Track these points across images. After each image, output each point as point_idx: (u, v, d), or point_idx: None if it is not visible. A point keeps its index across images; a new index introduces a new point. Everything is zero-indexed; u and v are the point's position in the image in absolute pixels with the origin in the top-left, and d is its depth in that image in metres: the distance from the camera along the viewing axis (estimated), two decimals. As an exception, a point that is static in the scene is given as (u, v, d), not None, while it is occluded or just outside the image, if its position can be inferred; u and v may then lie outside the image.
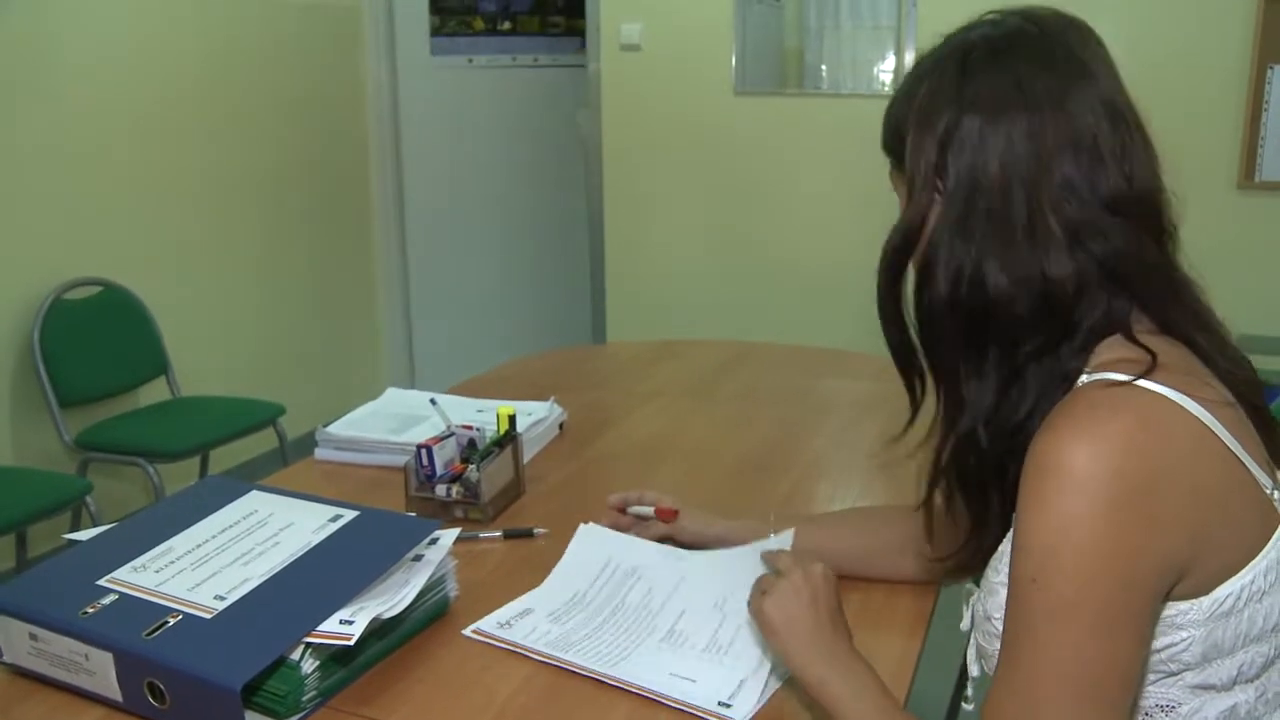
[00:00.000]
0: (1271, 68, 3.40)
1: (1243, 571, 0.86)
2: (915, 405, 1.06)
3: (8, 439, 3.27)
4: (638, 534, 1.44)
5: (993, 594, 0.96)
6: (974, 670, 1.05)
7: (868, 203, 3.93)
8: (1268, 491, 0.88)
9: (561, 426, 1.94)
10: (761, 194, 4.13)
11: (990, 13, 0.99)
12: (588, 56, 4.25)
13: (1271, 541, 0.88)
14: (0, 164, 3.20)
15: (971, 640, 1.06)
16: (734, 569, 1.30)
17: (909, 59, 3.75)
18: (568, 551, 1.41)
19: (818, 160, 4.03)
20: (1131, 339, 0.90)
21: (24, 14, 3.23)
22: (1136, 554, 0.81)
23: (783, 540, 1.33)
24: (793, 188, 4.08)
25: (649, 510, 1.45)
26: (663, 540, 1.43)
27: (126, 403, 3.55)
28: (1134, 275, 0.92)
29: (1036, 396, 0.92)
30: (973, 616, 1.05)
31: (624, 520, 1.47)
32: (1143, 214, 0.92)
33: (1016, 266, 0.90)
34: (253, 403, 3.53)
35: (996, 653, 0.95)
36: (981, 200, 0.92)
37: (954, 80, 0.95)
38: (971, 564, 1.05)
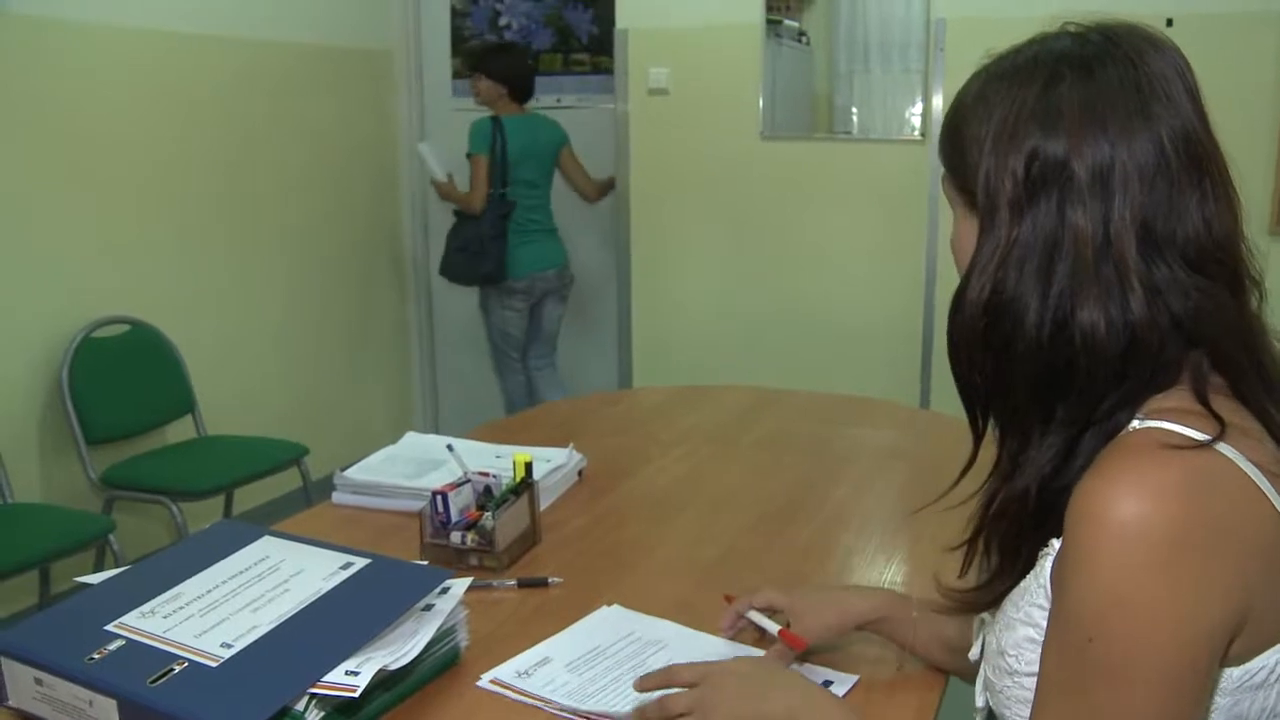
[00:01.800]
0: (1304, 114, 3.37)
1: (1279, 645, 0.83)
2: (976, 449, 1.00)
3: (35, 475, 3.29)
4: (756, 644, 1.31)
5: (1009, 629, 0.93)
6: (979, 701, 1.02)
7: (895, 249, 3.95)
8: None
9: (581, 473, 1.93)
10: (789, 240, 4.12)
11: (1071, 23, 0.94)
12: (615, 99, 4.27)
13: None
14: (31, 203, 3.24)
15: (980, 671, 1.03)
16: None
17: (937, 103, 3.74)
18: (584, 620, 1.38)
19: (845, 206, 4.02)
20: (1203, 400, 0.85)
21: (55, 55, 3.28)
22: (1194, 610, 0.78)
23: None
24: (820, 233, 4.07)
25: (772, 627, 1.28)
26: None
27: (153, 440, 3.57)
28: (1210, 336, 0.87)
29: (1089, 456, 0.88)
30: (983, 647, 1.02)
31: (740, 622, 1.34)
32: (1221, 265, 0.88)
33: (1105, 315, 0.86)
34: (277, 443, 3.53)
35: (1006, 689, 0.92)
36: (1066, 241, 0.87)
37: (1040, 99, 0.88)
38: (989, 604, 1.02)
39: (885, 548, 1.68)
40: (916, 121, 3.94)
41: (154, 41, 3.59)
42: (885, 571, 1.58)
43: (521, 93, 4.27)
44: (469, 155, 4.14)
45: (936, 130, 3.73)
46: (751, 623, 1.31)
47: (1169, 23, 3.30)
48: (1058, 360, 0.88)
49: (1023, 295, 0.89)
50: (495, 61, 4.24)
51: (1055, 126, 0.87)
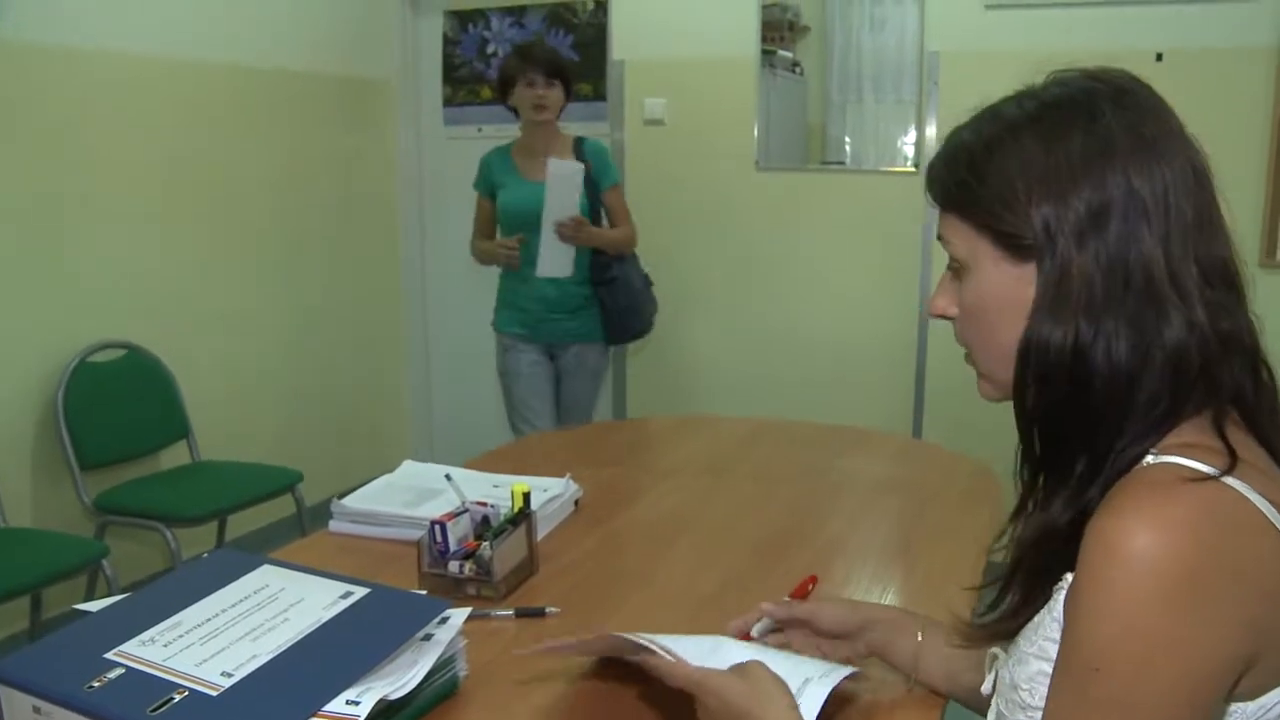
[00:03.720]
0: (1293, 147, 3.42)
1: None
2: (1035, 482, 0.98)
3: (27, 500, 3.28)
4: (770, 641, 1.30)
5: (1022, 663, 0.94)
6: None
7: (890, 280, 3.98)
8: None
9: (577, 503, 1.93)
10: (783, 269, 4.15)
11: (1056, 71, 0.95)
12: (611, 129, 4.30)
13: None
14: (29, 227, 3.25)
15: (992, 705, 1.03)
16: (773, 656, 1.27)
17: (931, 133, 3.77)
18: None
19: (840, 236, 4.05)
20: (1220, 431, 0.86)
21: (55, 80, 3.30)
22: (1201, 646, 0.79)
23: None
24: (815, 263, 4.10)
25: (782, 610, 1.30)
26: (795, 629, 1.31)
27: (146, 466, 3.57)
28: (1240, 354, 0.89)
29: (1101, 494, 0.88)
30: (995, 681, 1.03)
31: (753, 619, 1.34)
32: (1235, 286, 0.90)
33: (1189, 328, 0.87)
34: (272, 469, 3.53)
35: None
36: (1135, 271, 0.87)
37: (1087, 134, 0.89)
38: (1005, 637, 1.02)
39: (880, 579, 1.69)
40: (908, 151, 3.98)
41: (154, 68, 3.61)
42: (884, 601, 1.59)
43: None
44: (616, 184, 3.58)
45: (930, 159, 3.79)
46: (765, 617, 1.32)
47: (1159, 57, 3.35)
48: (1147, 383, 0.88)
49: (1102, 331, 0.88)
50: (572, 75, 3.59)
51: (1110, 158, 0.88)
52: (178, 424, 3.62)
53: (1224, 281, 0.88)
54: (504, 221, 3.53)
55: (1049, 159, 0.89)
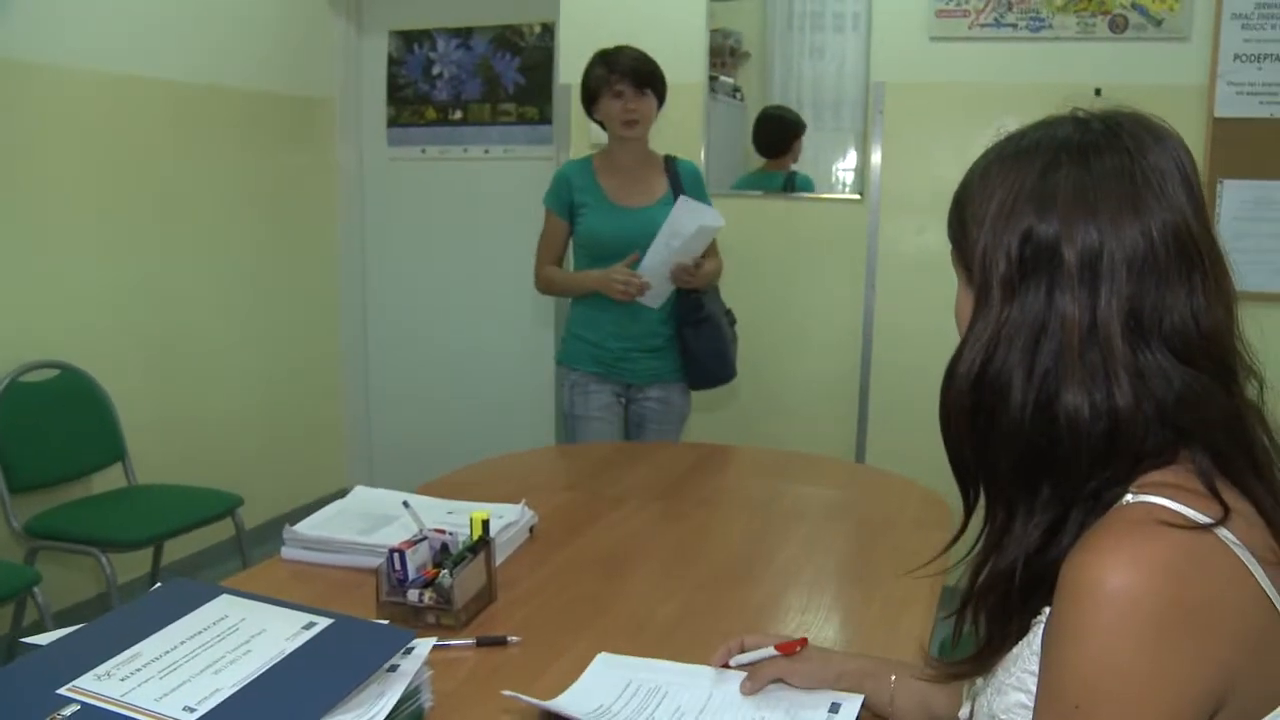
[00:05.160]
0: (1221, 182, 3.51)
1: (1269, 717, 0.85)
2: (966, 521, 1.03)
3: (-46, 524, 3.19)
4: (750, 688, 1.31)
5: (1001, 693, 0.94)
6: None
7: (830, 305, 4.01)
8: None
9: (532, 530, 1.92)
10: (726, 295, 4.16)
11: (1080, 109, 0.96)
12: (557, 153, 4.30)
13: None
14: (-37, 245, 3.17)
15: None
16: (768, 693, 1.29)
17: (876, 161, 3.81)
18: (584, 675, 1.37)
19: (781, 261, 4.07)
20: (1209, 484, 0.87)
21: (-4, 97, 3.23)
22: (1177, 684, 0.80)
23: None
24: (758, 289, 4.11)
25: (764, 653, 1.32)
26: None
27: (80, 489, 3.47)
28: (1196, 423, 0.89)
29: (1075, 533, 0.90)
30: (973, 709, 1.03)
31: (735, 649, 1.36)
32: (1209, 357, 0.90)
33: (1089, 399, 0.88)
34: (210, 493, 3.46)
35: None
36: (1053, 324, 0.89)
37: (1036, 182, 0.91)
38: (978, 673, 1.03)
39: (838, 606, 1.70)
40: (845, 176, 4.02)
41: (91, 83, 3.54)
42: (842, 630, 1.60)
43: None
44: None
45: (874, 189, 3.86)
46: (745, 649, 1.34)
47: (1097, 92, 3.42)
48: (1041, 440, 0.90)
49: (1008, 373, 0.91)
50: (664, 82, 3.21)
51: (1048, 210, 0.90)
52: (113, 446, 3.53)
53: (1176, 352, 0.88)
54: (585, 248, 3.17)
55: (999, 198, 0.93)
